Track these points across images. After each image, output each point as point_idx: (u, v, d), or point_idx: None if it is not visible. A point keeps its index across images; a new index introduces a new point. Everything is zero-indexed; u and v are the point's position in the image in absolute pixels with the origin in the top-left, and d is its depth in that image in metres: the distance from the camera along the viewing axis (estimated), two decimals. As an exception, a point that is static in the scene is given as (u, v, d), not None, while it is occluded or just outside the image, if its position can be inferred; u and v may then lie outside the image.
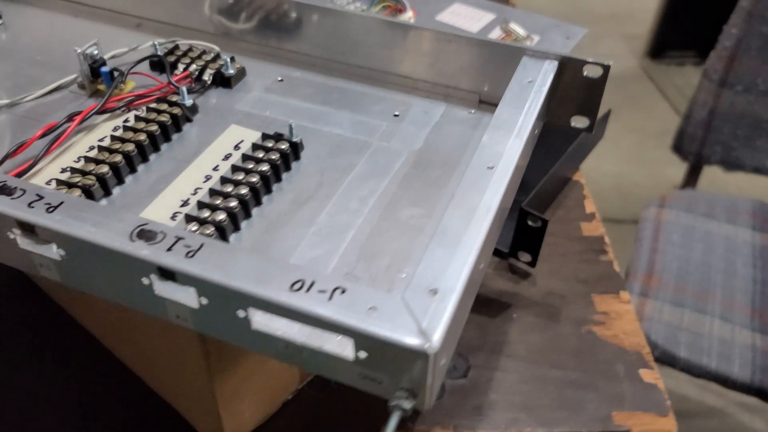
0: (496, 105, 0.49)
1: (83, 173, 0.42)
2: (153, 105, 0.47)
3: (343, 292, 0.31)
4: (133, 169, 0.44)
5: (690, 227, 1.08)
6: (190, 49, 0.53)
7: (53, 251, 0.35)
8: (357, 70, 0.53)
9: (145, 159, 0.44)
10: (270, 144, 0.44)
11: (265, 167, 0.42)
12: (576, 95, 0.47)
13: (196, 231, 0.38)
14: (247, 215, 0.41)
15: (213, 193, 0.41)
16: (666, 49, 2.36)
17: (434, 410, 0.49)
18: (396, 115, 0.49)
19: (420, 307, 0.31)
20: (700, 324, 0.93)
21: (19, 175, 0.42)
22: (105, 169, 0.42)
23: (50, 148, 0.44)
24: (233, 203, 0.40)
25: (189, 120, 0.48)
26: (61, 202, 0.35)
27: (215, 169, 0.44)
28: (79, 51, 0.48)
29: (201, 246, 0.33)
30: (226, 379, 0.40)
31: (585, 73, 0.47)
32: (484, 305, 0.56)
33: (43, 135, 0.44)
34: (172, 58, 0.51)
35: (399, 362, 0.30)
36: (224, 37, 0.56)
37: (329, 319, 0.30)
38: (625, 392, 0.50)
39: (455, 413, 0.49)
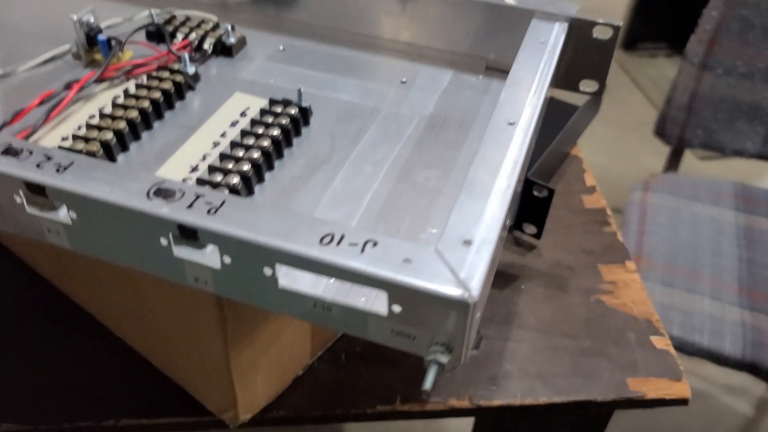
0: (503, 71, 0.49)
1: (86, 140, 0.40)
2: (154, 73, 0.46)
3: (375, 244, 0.30)
4: (137, 136, 0.42)
5: (675, 209, 1.09)
6: (187, 19, 0.51)
7: (64, 214, 0.34)
8: (360, 38, 0.52)
9: (148, 126, 0.43)
10: (278, 109, 0.43)
11: (275, 132, 0.41)
12: (585, 58, 0.47)
13: (209, 194, 0.37)
14: (260, 179, 0.40)
15: (224, 157, 0.39)
16: (639, 41, 2.38)
17: (449, 382, 0.48)
18: (403, 82, 0.48)
19: (455, 259, 0.30)
20: (691, 303, 0.94)
21: (19, 142, 0.40)
22: (109, 135, 0.40)
23: (50, 115, 0.42)
24: (246, 167, 0.39)
25: (191, 88, 0.46)
26: (72, 163, 0.33)
27: (223, 135, 0.43)
28: (75, 18, 0.46)
29: (223, 203, 0.31)
30: (242, 349, 0.39)
31: (594, 35, 0.46)
32: (491, 278, 0.55)
33: (41, 103, 0.42)
34: (169, 28, 0.50)
35: (436, 315, 0.29)
36: (221, 8, 0.55)
37: (363, 272, 0.29)
38: (638, 359, 0.50)
39: (470, 384, 0.48)
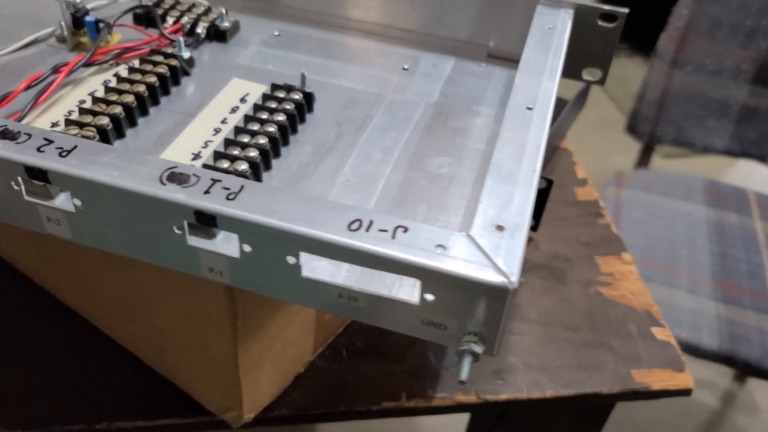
0: (505, 59, 0.48)
1: (80, 125, 0.38)
2: (147, 57, 0.43)
3: (406, 230, 0.29)
4: (133, 122, 0.40)
5: (650, 204, 1.10)
6: (177, 2, 0.49)
7: (67, 201, 0.31)
8: (357, 24, 0.50)
9: (144, 112, 0.41)
10: (281, 95, 0.41)
11: (281, 117, 0.39)
12: (589, 46, 0.46)
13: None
14: (268, 166, 0.38)
15: (230, 143, 0.38)
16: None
17: (453, 376, 0.47)
18: (405, 69, 0.47)
19: (489, 244, 0.29)
20: (670, 297, 0.95)
21: (7, 127, 0.37)
22: (105, 120, 0.38)
23: (38, 100, 0.39)
24: (253, 153, 0.37)
25: (187, 73, 0.44)
26: (75, 146, 0.31)
27: (224, 122, 0.41)
28: (61, -2, 0.43)
29: (242, 188, 0.30)
30: (250, 345, 0.37)
31: (599, 23, 0.46)
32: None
33: (28, 87, 0.40)
34: (159, 11, 0.48)
35: (472, 303, 0.28)
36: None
37: (397, 259, 0.28)
38: (641, 350, 0.50)
39: (475, 378, 0.47)
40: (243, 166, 0.36)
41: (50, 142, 0.31)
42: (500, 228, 0.29)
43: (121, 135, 0.39)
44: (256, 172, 0.36)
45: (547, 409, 0.50)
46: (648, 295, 0.54)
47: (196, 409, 0.43)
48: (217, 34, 0.48)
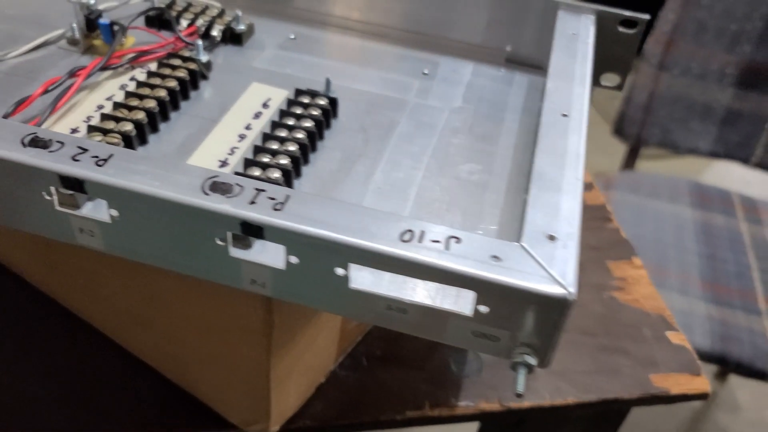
0: (523, 64, 0.48)
1: (104, 131, 0.36)
2: (164, 61, 0.42)
3: (459, 241, 0.28)
4: (155, 128, 0.39)
5: (638, 206, 1.11)
6: (189, 5, 0.48)
7: (103, 212, 0.30)
8: (371, 27, 0.50)
9: (165, 117, 0.40)
10: (306, 100, 0.41)
11: (308, 123, 0.39)
12: (608, 51, 0.46)
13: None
14: (298, 174, 0.37)
15: (259, 150, 0.37)
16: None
17: (476, 384, 0.46)
18: (425, 74, 0.46)
19: (544, 255, 0.28)
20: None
21: (27, 134, 0.36)
22: (129, 126, 0.37)
23: (57, 105, 0.38)
24: (284, 160, 0.36)
25: (205, 77, 0.43)
26: (111, 155, 0.30)
27: (248, 128, 0.40)
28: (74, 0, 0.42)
29: (287, 197, 0.29)
30: (282, 356, 0.36)
31: (620, 29, 0.46)
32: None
33: (45, 92, 0.38)
34: (172, 13, 0.46)
35: (529, 315, 0.28)
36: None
37: (453, 271, 0.27)
38: (656, 355, 0.50)
39: (497, 386, 0.46)
40: (276, 174, 0.35)
41: (85, 150, 0.30)
42: (552, 238, 0.29)
43: (143, 141, 0.38)
44: (288, 179, 0.36)
45: (565, 416, 0.50)
46: (660, 300, 0.54)
47: (218, 421, 0.42)
48: (233, 37, 0.47)
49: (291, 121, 0.39)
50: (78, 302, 0.46)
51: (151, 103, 0.39)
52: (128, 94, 0.39)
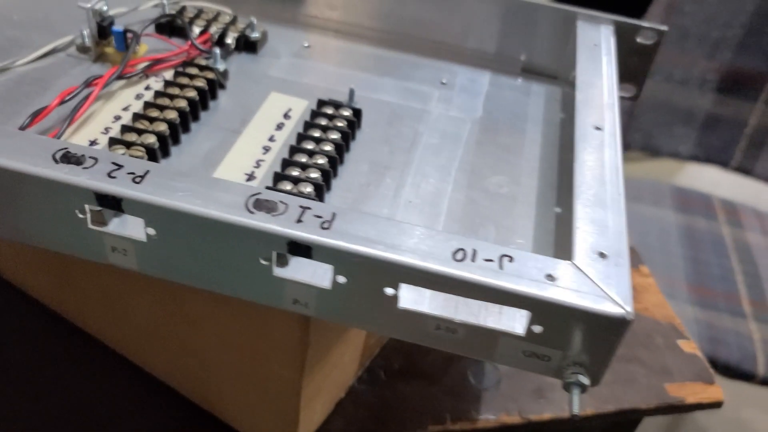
0: (538, 73, 0.48)
1: (126, 144, 0.35)
2: (181, 70, 0.41)
3: (511, 259, 0.28)
4: (176, 140, 0.37)
5: (623, 210, 1.12)
6: (201, 11, 0.46)
7: (139, 230, 0.29)
8: (387, 36, 0.49)
9: (186, 129, 0.38)
10: (330, 111, 0.40)
11: (335, 135, 0.38)
12: (626, 62, 0.46)
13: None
14: (328, 187, 0.36)
15: (287, 164, 0.36)
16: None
17: (496, 397, 0.46)
18: (444, 83, 0.46)
19: (597, 273, 0.28)
20: (649, 301, 0.96)
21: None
22: (152, 139, 0.36)
23: (75, 116, 0.37)
24: (314, 174, 0.35)
25: (222, 87, 0.42)
26: (147, 171, 0.29)
27: (271, 139, 0.39)
28: (88, 6, 0.40)
29: (334, 216, 0.28)
30: (314, 375, 0.35)
31: (638, 40, 0.46)
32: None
33: (61, 103, 0.37)
34: (185, 20, 0.45)
35: (584, 334, 0.27)
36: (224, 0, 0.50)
37: (509, 291, 0.27)
38: (670, 363, 0.50)
39: (517, 397, 0.46)
40: (308, 188, 0.34)
41: (120, 166, 0.29)
42: (603, 255, 0.29)
43: (166, 153, 0.37)
44: (319, 193, 0.35)
45: (581, 426, 0.50)
46: (669, 308, 0.54)
47: (234, 437, 0.41)
48: (247, 45, 0.45)
49: (317, 133, 0.38)
50: (92, 320, 0.44)
51: (173, 114, 0.37)
52: (147, 105, 0.38)
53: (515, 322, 0.28)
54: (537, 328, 0.28)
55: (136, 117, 0.37)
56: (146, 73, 0.42)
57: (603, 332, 0.27)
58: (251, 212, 0.28)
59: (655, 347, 0.51)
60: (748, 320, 0.98)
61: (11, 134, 0.30)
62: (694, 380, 0.49)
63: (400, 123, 0.42)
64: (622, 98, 0.48)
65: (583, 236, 0.30)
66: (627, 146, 1.22)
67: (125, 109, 0.39)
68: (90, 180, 0.28)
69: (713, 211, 1.18)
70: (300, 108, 0.41)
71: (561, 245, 0.35)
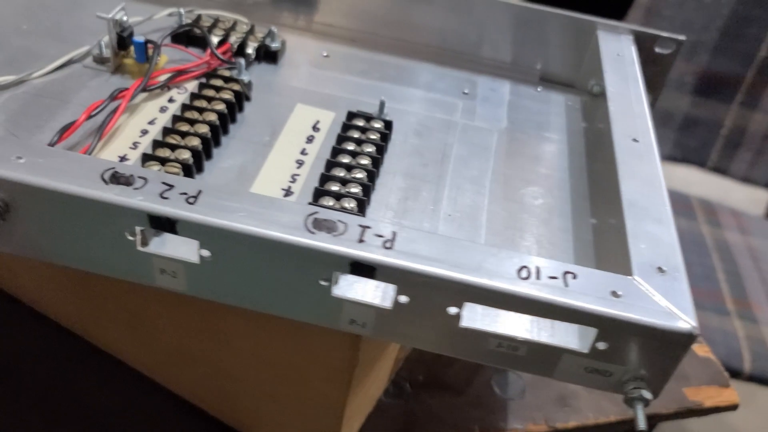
0: (557, 82, 0.48)
1: (161, 160, 0.34)
2: (206, 82, 0.40)
3: (575, 276, 0.28)
4: (209, 155, 0.37)
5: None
6: (217, 20, 0.45)
7: (192, 252, 0.28)
8: (404, 44, 0.49)
9: (217, 143, 0.37)
10: (361, 123, 0.39)
11: (370, 148, 0.37)
12: (643, 71, 0.47)
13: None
14: (368, 202, 0.36)
15: (327, 179, 0.35)
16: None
17: (521, 406, 0.46)
18: (466, 93, 0.46)
19: (660, 288, 0.28)
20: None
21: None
22: (186, 155, 0.35)
23: (104, 130, 0.35)
24: (355, 189, 0.35)
25: (248, 98, 0.41)
26: (200, 191, 0.28)
27: (303, 153, 0.38)
28: (109, 16, 0.39)
29: (395, 234, 0.28)
30: (357, 392, 0.35)
31: (656, 49, 0.46)
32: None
33: (89, 117, 0.36)
34: (204, 30, 0.44)
35: (650, 349, 0.27)
36: (236, 9, 0.49)
37: (576, 309, 0.26)
38: (685, 367, 0.51)
39: (541, 406, 0.46)
40: (351, 204, 0.34)
41: (171, 186, 0.28)
42: (661, 270, 0.29)
43: (200, 169, 0.36)
44: (362, 208, 0.34)
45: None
46: (679, 312, 0.55)
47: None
48: (267, 55, 0.45)
49: (351, 146, 0.37)
50: (112, 339, 0.43)
51: (204, 129, 0.36)
52: (176, 118, 0.37)
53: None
54: (602, 345, 0.28)
55: (167, 131, 0.36)
56: (168, 84, 0.41)
57: (669, 347, 0.27)
58: (312, 232, 0.27)
59: (669, 352, 0.51)
60: (732, 318, 1.00)
61: (54, 153, 0.29)
62: (711, 384, 0.50)
63: (429, 134, 0.41)
64: (638, 106, 0.48)
65: (639, 251, 0.30)
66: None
67: (151, 122, 0.38)
68: (143, 201, 0.27)
69: (692, 211, 1.20)
70: (327, 119, 0.41)
71: (601, 257, 0.35)
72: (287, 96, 0.42)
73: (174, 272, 0.29)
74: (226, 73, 0.41)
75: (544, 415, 0.46)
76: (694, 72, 1.20)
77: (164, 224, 0.27)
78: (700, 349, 0.52)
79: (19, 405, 0.41)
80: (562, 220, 0.37)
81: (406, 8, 0.48)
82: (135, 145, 0.36)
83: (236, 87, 0.40)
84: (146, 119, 0.38)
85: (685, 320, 0.27)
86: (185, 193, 0.28)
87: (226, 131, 0.38)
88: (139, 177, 0.28)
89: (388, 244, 0.27)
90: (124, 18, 0.40)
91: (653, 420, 0.48)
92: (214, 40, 0.44)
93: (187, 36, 0.44)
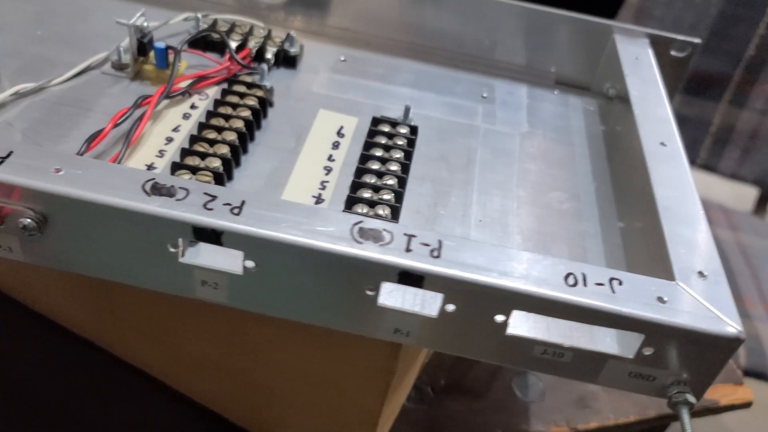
0: (572, 85, 0.48)
1: (192, 169, 0.34)
2: (229, 89, 0.40)
3: (621, 283, 0.28)
4: (238, 163, 0.36)
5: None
6: (234, 25, 0.45)
7: (236, 264, 0.28)
8: (419, 48, 0.49)
9: (245, 150, 0.37)
10: (386, 129, 0.39)
11: (398, 155, 0.37)
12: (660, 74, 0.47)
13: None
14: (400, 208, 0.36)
15: (358, 186, 0.35)
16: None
17: (542, 409, 0.46)
18: (484, 97, 0.46)
19: (703, 293, 0.28)
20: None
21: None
22: (217, 163, 0.34)
23: (132, 138, 0.35)
24: (388, 195, 0.35)
25: (271, 104, 0.41)
26: (243, 201, 0.28)
27: (330, 159, 0.38)
28: (130, 22, 0.39)
29: (441, 243, 0.28)
30: (391, 400, 0.35)
31: (672, 52, 0.46)
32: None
33: (115, 126, 0.35)
34: (217, 36, 0.44)
35: (696, 354, 0.27)
36: (251, 13, 0.48)
37: (624, 315, 0.27)
38: (699, 367, 0.51)
39: (562, 408, 0.46)
40: (385, 211, 0.34)
41: (214, 197, 0.28)
42: (701, 275, 0.29)
43: (230, 177, 0.35)
44: (395, 215, 0.34)
45: (618, 432, 0.50)
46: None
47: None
48: (286, 60, 0.44)
49: (379, 152, 0.37)
50: (135, 349, 0.42)
51: (232, 136, 0.36)
52: (202, 126, 0.37)
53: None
54: (648, 350, 0.28)
55: (194, 139, 0.36)
56: (190, 91, 0.40)
57: (716, 352, 0.27)
58: (359, 242, 0.27)
59: (683, 351, 0.52)
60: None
61: (92, 165, 0.29)
62: (724, 382, 0.50)
63: (452, 139, 0.41)
64: (652, 109, 0.49)
65: (679, 256, 0.30)
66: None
67: (175, 129, 0.38)
68: (187, 213, 0.27)
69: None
70: (351, 125, 0.40)
71: (632, 261, 0.35)
72: (309, 101, 0.42)
73: (216, 284, 0.29)
74: (248, 79, 0.41)
75: (565, 416, 0.46)
76: (684, 71, 1.21)
77: (209, 236, 0.27)
78: (712, 348, 0.53)
79: (37, 421, 0.41)
80: (590, 224, 0.37)
81: (418, 12, 0.48)
82: (161, 153, 0.36)
83: (260, 93, 0.40)
84: (170, 126, 0.38)
85: (732, 325, 0.27)
86: (229, 204, 0.27)
87: (252, 138, 0.38)
88: (181, 188, 0.28)
89: (435, 253, 0.27)
90: (145, 24, 0.40)
91: (667, 420, 0.48)
92: (233, 44, 0.43)
93: (204, 41, 0.44)
